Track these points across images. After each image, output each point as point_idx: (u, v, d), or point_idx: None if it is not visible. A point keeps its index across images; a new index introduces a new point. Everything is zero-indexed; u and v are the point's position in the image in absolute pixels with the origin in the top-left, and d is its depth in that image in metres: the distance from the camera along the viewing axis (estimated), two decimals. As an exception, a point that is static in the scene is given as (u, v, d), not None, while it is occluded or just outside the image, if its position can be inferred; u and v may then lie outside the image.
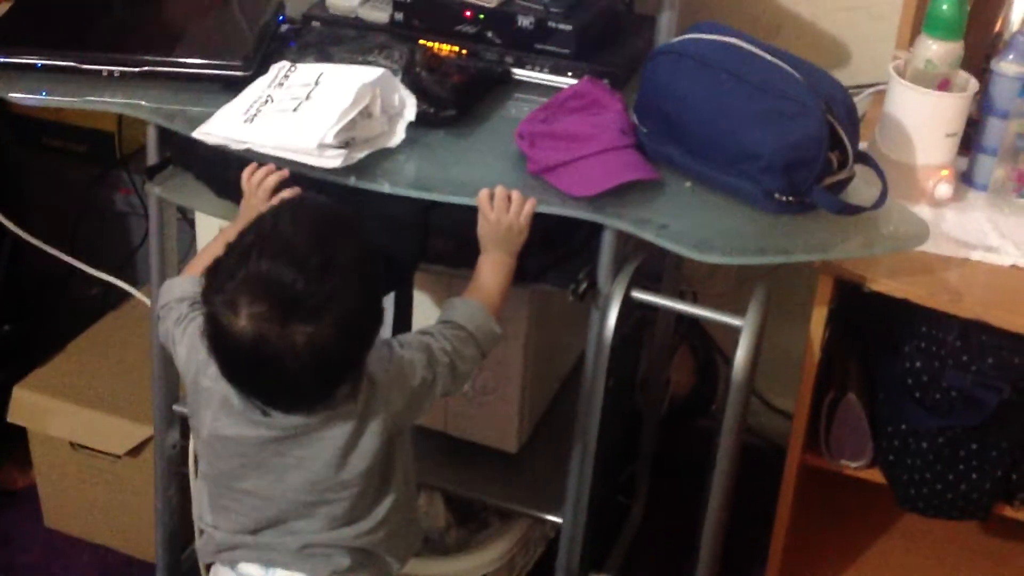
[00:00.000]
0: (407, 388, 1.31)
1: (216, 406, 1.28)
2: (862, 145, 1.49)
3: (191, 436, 1.36)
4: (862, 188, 1.43)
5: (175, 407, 1.73)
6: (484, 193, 1.38)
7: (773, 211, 1.39)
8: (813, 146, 1.36)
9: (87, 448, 1.94)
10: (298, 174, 1.41)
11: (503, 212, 1.38)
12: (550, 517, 1.61)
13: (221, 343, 1.20)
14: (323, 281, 1.16)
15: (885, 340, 1.55)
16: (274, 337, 1.16)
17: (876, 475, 1.60)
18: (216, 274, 1.20)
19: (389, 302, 1.58)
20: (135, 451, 1.91)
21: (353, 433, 1.27)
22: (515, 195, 1.38)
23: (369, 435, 1.28)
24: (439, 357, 1.33)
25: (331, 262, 1.18)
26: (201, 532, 1.39)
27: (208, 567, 1.40)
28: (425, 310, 1.57)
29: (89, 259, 2.13)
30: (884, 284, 1.44)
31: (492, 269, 1.41)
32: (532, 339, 1.63)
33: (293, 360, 1.17)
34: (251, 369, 1.21)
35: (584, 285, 1.45)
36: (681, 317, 2.03)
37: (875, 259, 1.45)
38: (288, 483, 1.29)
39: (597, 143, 1.42)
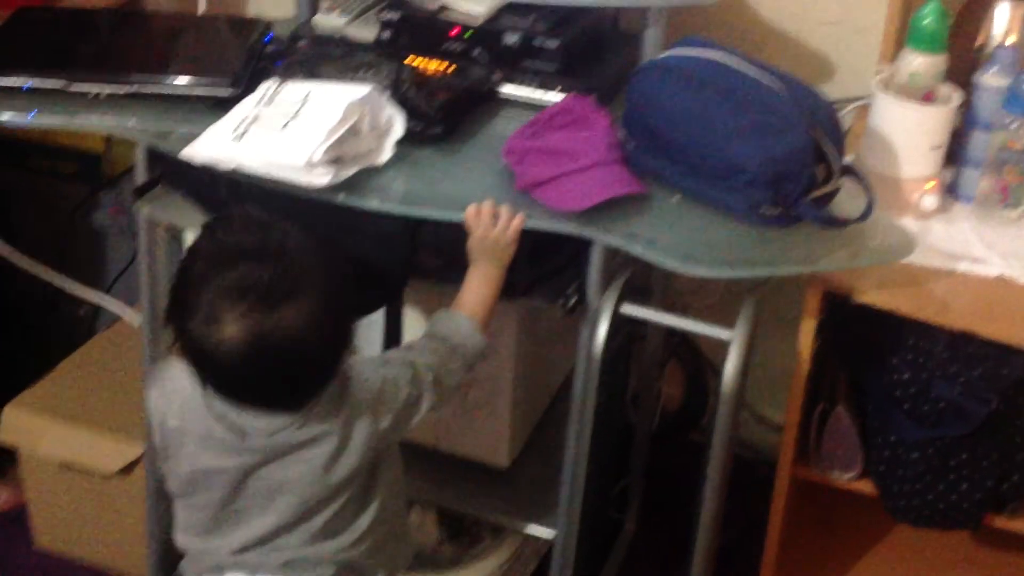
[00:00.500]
0: (392, 405, 1.31)
1: (194, 443, 1.29)
2: (847, 159, 1.50)
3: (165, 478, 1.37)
4: (848, 201, 1.44)
5: (166, 426, 1.72)
6: (471, 209, 1.39)
7: (760, 224, 1.40)
8: (798, 160, 1.37)
9: (78, 467, 1.94)
10: (287, 193, 1.41)
11: (490, 227, 1.38)
12: (542, 531, 1.61)
13: (212, 361, 1.21)
14: (286, 264, 1.20)
15: (873, 352, 1.56)
16: (267, 327, 1.18)
17: (867, 486, 1.61)
18: (181, 302, 1.22)
19: (379, 317, 1.59)
20: (126, 469, 1.91)
21: (334, 452, 1.27)
22: (503, 210, 1.39)
23: (350, 452, 1.28)
24: (423, 373, 1.34)
25: (284, 247, 1.22)
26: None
27: None
28: (415, 323, 1.57)
29: (78, 279, 2.13)
30: (871, 296, 1.44)
31: (479, 282, 1.41)
32: (522, 353, 1.63)
33: (291, 341, 1.19)
34: (251, 371, 1.21)
35: (573, 299, 1.46)
36: (672, 331, 2.04)
37: (862, 271, 1.45)
38: (275, 507, 1.29)
39: (584, 158, 1.42)
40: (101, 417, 1.94)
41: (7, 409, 1.96)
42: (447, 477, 1.70)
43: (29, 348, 2.25)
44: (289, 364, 1.21)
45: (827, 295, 1.49)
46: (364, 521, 1.33)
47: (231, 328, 1.18)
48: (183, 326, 1.21)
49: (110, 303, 2.16)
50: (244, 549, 1.32)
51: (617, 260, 1.47)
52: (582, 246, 1.43)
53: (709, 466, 1.48)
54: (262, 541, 1.31)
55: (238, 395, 1.25)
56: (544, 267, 1.48)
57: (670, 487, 2.12)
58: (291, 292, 1.19)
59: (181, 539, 1.39)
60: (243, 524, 1.31)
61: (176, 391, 1.30)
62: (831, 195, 1.42)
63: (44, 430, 1.94)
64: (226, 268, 1.19)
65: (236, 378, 1.22)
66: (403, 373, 1.33)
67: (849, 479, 1.60)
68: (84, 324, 2.31)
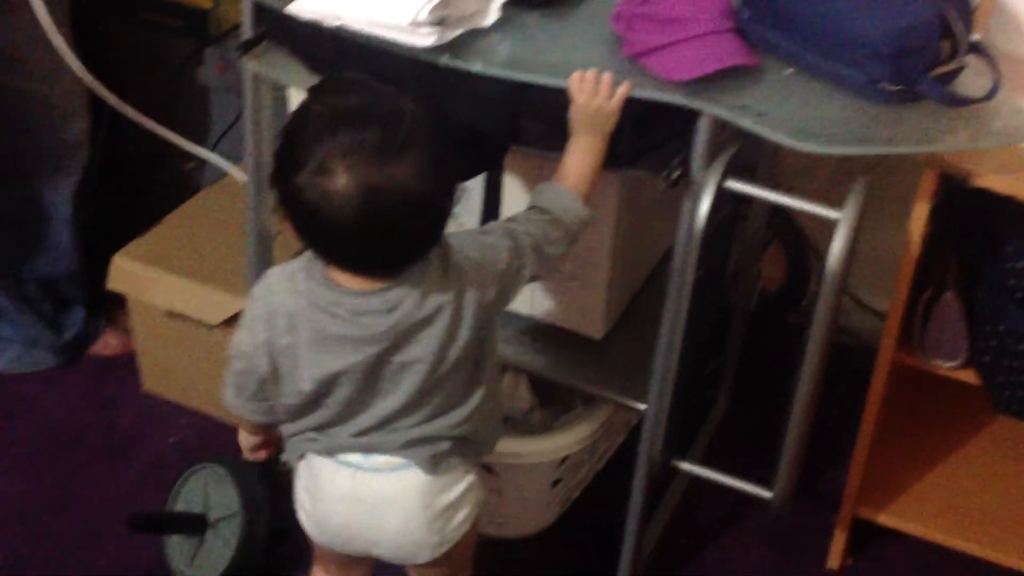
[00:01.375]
0: (495, 273, 1.31)
1: (312, 351, 1.29)
2: (975, 36, 1.42)
3: (277, 395, 1.36)
4: (972, 80, 1.37)
5: (268, 282, 1.76)
6: (576, 76, 1.36)
7: (878, 100, 1.34)
8: (923, 34, 1.30)
9: (184, 316, 2.00)
10: (391, 52, 1.39)
11: (593, 95, 1.35)
12: (634, 403, 1.62)
13: (321, 216, 1.20)
14: (396, 125, 1.20)
15: (987, 239, 1.50)
16: (378, 179, 1.18)
17: (970, 376, 1.57)
18: (289, 159, 1.22)
19: (479, 184, 1.59)
20: (230, 321, 1.96)
21: (450, 325, 1.28)
22: (606, 78, 1.36)
23: (464, 325, 1.29)
24: (523, 243, 1.34)
25: (393, 109, 1.22)
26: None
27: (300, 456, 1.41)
28: (515, 191, 1.56)
29: (185, 135, 2.16)
30: (990, 180, 1.39)
31: (582, 153, 1.39)
32: (621, 225, 1.61)
33: (400, 195, 1.19)
34: (361, 225, 1.20)
35: (677, 172, 1.43)
36: (774, 211, 1.99)
37: (981, 154, 1.40)
38: (399, 390, 1.30)
39: (696, 26, 1.38)
40: (206, 270, 1.99)
41: (116, 258, 2.02)
42: (542, 345, 1.71)
43: (137, 201, 2.31)
44: (398, 219, 1.21)
45: (943, 178, 1.44)
46: (476, 395, 1.35)
47: (342, 179, 1.18)
48: (291, 179, 1.21)
49: (216, 160, 2.19)
50: (362, 433, 1.33)
51: (725, 134, 1.43)
52: (689, 117, 1.40)
53: (808, 348, 1.45)
54: (382, 424, 1.33)
55: (346, 254, 1.25)
56: (649, 138, 1.44)
57: (764, 368, 2.11)
58: (401, 150, 1.20)
59: (292, 433, 1.38)
60: (366, 411, 1.32)
61: (279, 306, 1.29)
62: (955, 73, 1.35)
63: (151, 280, 2.00)
64: (337, 128, 1.20)
65: (345, 234, 1.22)
66: (502, 242, 1.33)
67: (952, 367, 1.57)
68: (190, 179, 2.35)
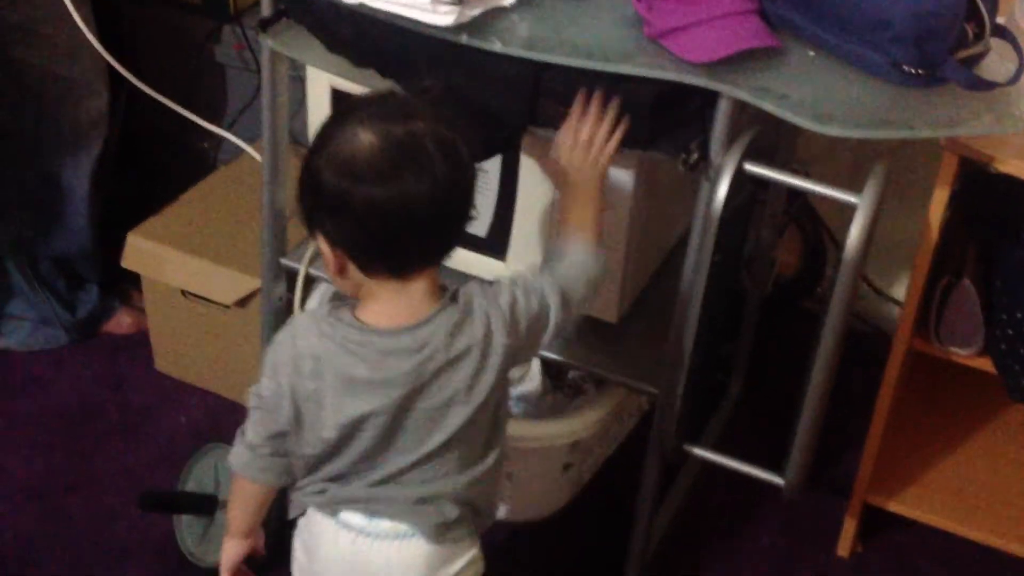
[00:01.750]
0: (523, 317, 1.29)
1: (335, 396, 1.25)
2: (1000, 19, 1.41)
3: (297, 445, 1.31)
4: (996, 64, 1.36)
5: (283, 260, 1.76)
6: (567, 140, 1.36)
7: (900, 83, 1.33)
8: (948, 16, 1.29)
9: (197, 296, 2.00)
10: (410, 31, 1.39)
11: (586, 153, 1.35)
12: (647, 387, 1.61)
13: (351, 174, 1.19)
14: (413, 101, 1.24)
15: (1007, 226, 1.50)
16: (401, 133, 1.18)
17: (986, 364, 1.57)
18: (320, 140, 1.22)
19: (496, 166, 1.58)
20: (243, 302, 1.96)
21: (477, 367, 1.26)
22: (599, 138, 1.35)
23: (489, 368, 1.26)
24: (548, 291, 1.32)
25: (410, 101, 1.25)
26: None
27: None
28: (531, 174, 1.56)
29: (201, 114, 2.16)
30: (1011, 166, 1.38)
31: (582, 204, 1.37)
32: (638, 208, 1.61)
33: (425, 155, 1.18)
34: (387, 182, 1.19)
35: (695, 155, 1.42)
36: (792, 196, 1.98)
37: (1003, 140, 1.39)
38: (427, 440, 1.27)
39: (718, 7, 1.37)
40: (220, 249, 1.99)
41: (130, 236, 2.02)
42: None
43: (153, 180, 2.31)
44: (424, 175, 1.19)
45: (963, 163, 1.43)
46: (492, 456, 1.32)
47: (366, 135, 1.18)
48: (318, 155, 1.20)
49: (232, 139, 2.18)
50: (376, 484, 1.29)
51: (744, 116, 1.42)
52: (708, 100, 1.39)
53: (823, 333, 1.45)
54: (397, 475, 1.28)
55: (375, 231, 1.21)
56: (668, 119, 1.44)
57: (778, 354, 2.10)
58: (418, 111, 1.21)
59: (301, 485, 1.33)
60: (385, 461, 1.28)
61: (306, 350, 1.25)
62: (979, 56, 1.34)
63: (165, 258, 2.00)
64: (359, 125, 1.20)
65: (371, 197, 1.19)
66: (530, 287, 1.31)
67: (968, 355, 1.56)
68: (206, 158, 2.35)
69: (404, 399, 1.25)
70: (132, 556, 1.82)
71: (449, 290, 1.29)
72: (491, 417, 1.30)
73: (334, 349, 1.25)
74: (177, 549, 1.79)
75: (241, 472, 1.35)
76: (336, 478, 1.30)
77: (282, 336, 1.29)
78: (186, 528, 1.80)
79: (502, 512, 1.80)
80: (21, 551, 1.83)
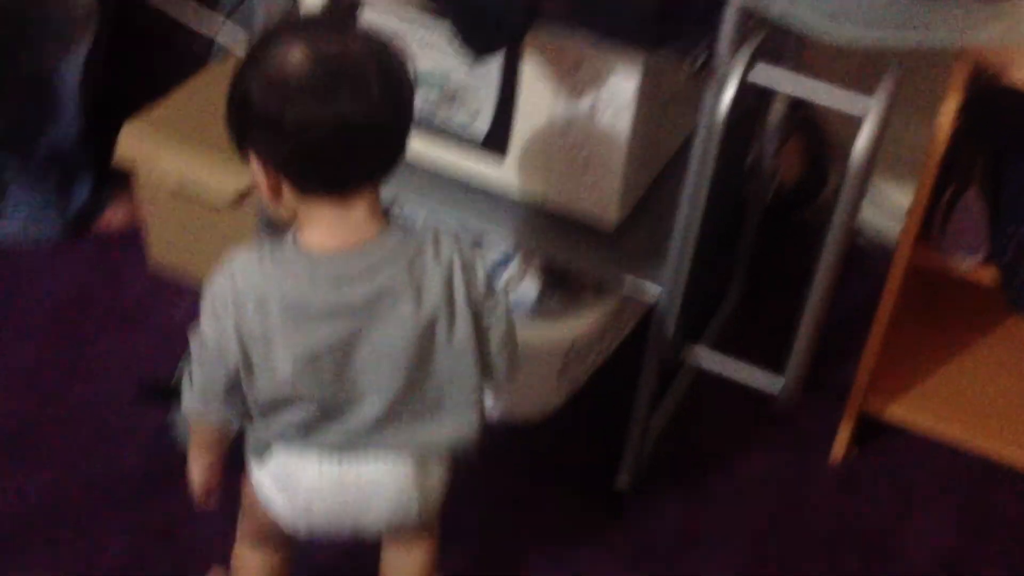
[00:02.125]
0: (475, 281, 1.25)
1: (286, 333, 1.19)
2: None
3: (250, 390, 1.25)
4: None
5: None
6: None
7: (912, -12, 1.30)
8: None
9: (191, 191, 1.98)
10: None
11: None
12: (646, 289, 1.61)
13: (284, 92, 1.13)
14: (349, 20, 1.23)
15: (1015, 137, 1.47)
16: (335, 51, 1.14)
17: (987, 277, 1.56)
18: (251, 57, 1.17)
19: (496, 71, 1.54)
20: (237, 200, 1.94)
21: (433, 313, 1.21)
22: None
23: (461, 320, 1.23)
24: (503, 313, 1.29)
25: (345, 20, 1.25)
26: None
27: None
28: (533, 79, 1.52)
29: (195, 7, 2.11)
30: (1022, 76, 1.35)
31: None
32: (640, 110, 1.58)
33: (359, 73, 1.14)
34: (319, 96, 1.13)
35: (701, 59, 1.39)
36: (795, 105, 1.95)
37: (1013, 51, 1.35)
38: (383, 386, 1.23)
39: (730, -97, 1.32)
40: (215, 141, 1.96)
41: (126, 125, 1.99)
42: (553, 230, 1.69)
43: (146, 74, 2.27)
44: (362, 80, 1.14)
45: (973, 73, 1.40)
46: (474, 403, 1.29)
47: (298, 52, 1.13)
48: (246, 72, 1.16)
49: (228, 29, 2.14)
50: (350, 436, 1.26)
51: (751, 21, 1.38)
52: (715, 3, 1.35)
53: (827, 240, 1.43)
54: (370, 428, 1.25)
55: (322, 162, 1.16)
56: (673, 22, 1.40)
57: (777, 263, 2.09)
58: (357, 30, 1.19)
59: (263, 433, 1.29)
60: (351, 410, 1.24)
61: (248, 289, 1.20)
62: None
63: (160, 150, 1.98)
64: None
65: (305, 116, 1.14)
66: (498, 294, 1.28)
67: (971, 265, 1.55)
68: (201, 52, 2.31)
69: (353, 333, 1.20)
70: (127, 443, 1.84)
71: (391, 214, 1.23)
72: (472, 362, 1.26)
73: (278, 282, 1.19)
74: (170, 436, 1.81)
75: (197, 420, 1.32)
76: (303, 427, 1.25)
77: (219, 276, 1.22)
78: (181, 417, 1.81)
79: (496, 412, 1.81)
80: (20, 434, 1.84)
